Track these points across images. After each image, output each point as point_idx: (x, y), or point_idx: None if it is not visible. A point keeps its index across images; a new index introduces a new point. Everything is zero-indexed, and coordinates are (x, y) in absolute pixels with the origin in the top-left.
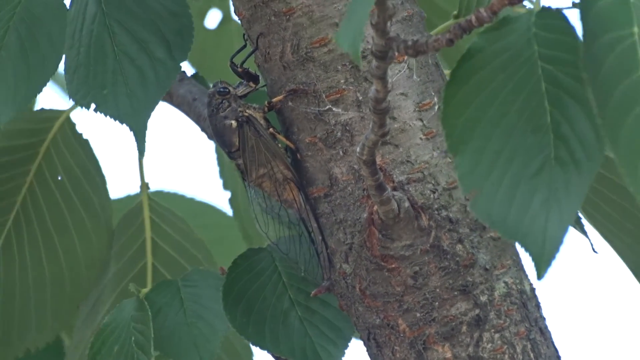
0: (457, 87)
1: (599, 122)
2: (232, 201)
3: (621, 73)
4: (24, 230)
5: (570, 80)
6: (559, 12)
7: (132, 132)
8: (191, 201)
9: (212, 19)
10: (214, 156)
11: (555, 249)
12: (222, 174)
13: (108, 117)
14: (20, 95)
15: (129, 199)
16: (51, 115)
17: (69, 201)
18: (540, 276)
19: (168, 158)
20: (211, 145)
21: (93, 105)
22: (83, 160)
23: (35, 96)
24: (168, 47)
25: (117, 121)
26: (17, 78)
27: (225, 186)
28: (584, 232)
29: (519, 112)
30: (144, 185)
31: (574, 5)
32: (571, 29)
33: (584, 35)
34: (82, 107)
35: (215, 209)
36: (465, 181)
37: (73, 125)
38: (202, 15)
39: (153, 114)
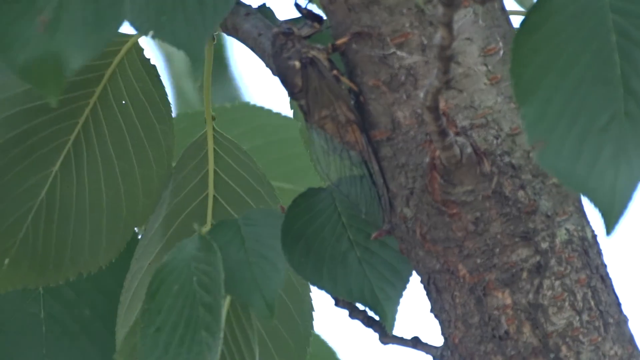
0: (528, 36)
1: None
2: (301, 131)
3: None
4: (84, 152)
5: (636, 29)
6: None
7: (189, 57)
8: (262, 111)
9: None
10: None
11: (625, 205)
12: (292, 105)
13: (166, 42)
14: (91, 39)
15: (188, 116)
16: (119, 39)
17: (132, 127)
18: (609, 232)
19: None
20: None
21: (152, 32)
22: (149, 86)
23: (108, 40)
24: None
25: (174, 47)
26: (86, 23)
27: (295, 117)
28: None
29: (588, 64)
30: (209, 116)
31: None
32: None
33: None
34: (141, 34)
35: (292, 121)
36: (531, 132)
37: (141, 50)
38: None
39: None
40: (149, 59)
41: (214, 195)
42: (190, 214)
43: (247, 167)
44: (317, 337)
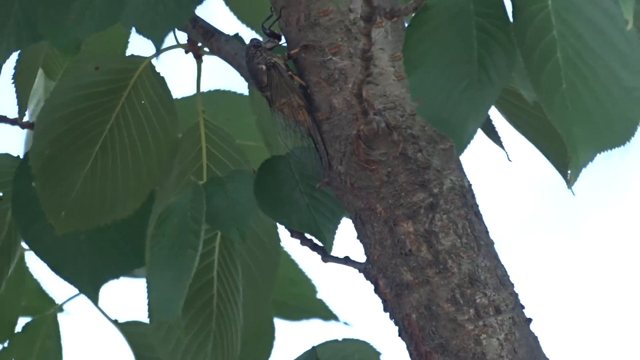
0: (415, 29)
1: (525, 71)
2: (257, 121)
3: (541, 33)
4: (116, 136)
5: (494, 28)
6: None
7: (153, 43)
8: (235, 95)
9: None
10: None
11: (471, 137)
12: (252, 103)
13: (141, 34)
14: (100, 23)
15: (186, 100)
16: (138, 59)
17: (149, 118)
18: (459, 153)
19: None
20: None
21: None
22: (159, 91)
23: (110, 24)
24: None
25: (145, 37)
26: (99, 15)
27: (254, 112)
28: (500, 143)
29: (456, 49)
30: (200, 109)
31: None
32: None
33: (514, 6)
34: (126, 28)
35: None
36: (414, 92)
37: (153, 66)
38: None
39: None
40: (159, 72)
41: (206, 164)
42: (189, 175)
43: (228, 142)
44: (303, 274)
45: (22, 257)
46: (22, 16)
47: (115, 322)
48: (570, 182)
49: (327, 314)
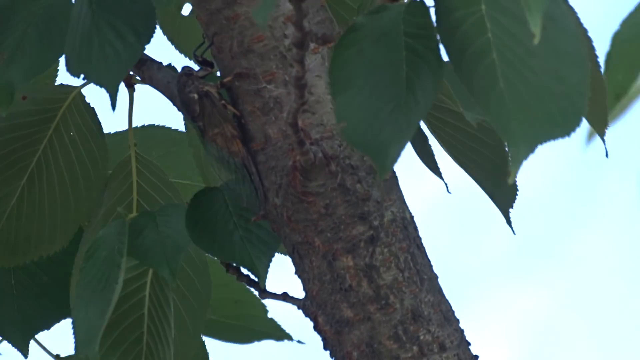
0: (343, 50)
1: (457, 73)
2: (195, 155)
3: (473, 36)
4: (44, 169)
5: (423, 48)
6: (422, 3)
7: (108, 92)
8: (170, 131)
9: (186, 9)
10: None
11: (395, 160)
12: (187, 135)
13: (92, 82)
14: (35, 66)
15: (118, 134)
16: (67, 89)
17: (77, 150)
18: (381, 177)
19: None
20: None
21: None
22: (89, 122)
23: (46, 68)
24: (137, 34)
25: (97, 85)
26: (34, 55)
27: (190, 144)
28: (439, 173)
29: (384, 70)
30: (132, 142)
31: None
32: (429, 13)
33: (438, 12)
34: (74, 76)
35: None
36: (339, 115)
37: (83, 96)
38: (180, 7)
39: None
40: (89, 103)
41: (137, 199)
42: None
43: (160, 177)
44: (252, 295)
45: None
46: None
47: (57, 356)
48: (510, 177)
49: (279, 334)
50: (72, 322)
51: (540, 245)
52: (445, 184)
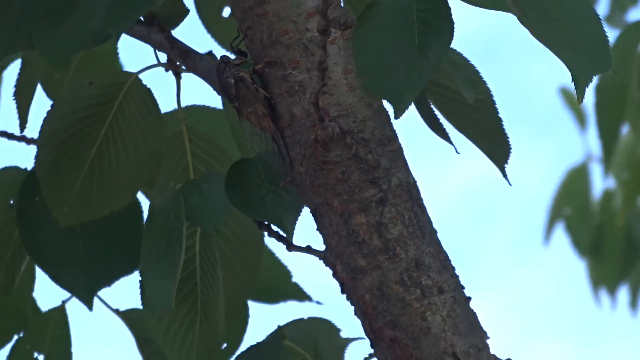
0: (363, 22)
1: None
2: (232, 128)
3: None
4: (110, 139)
5: (434, 19)
6: None
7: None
8: (211, 109)
9: (225, 12)
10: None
11: (408, 102)
12: (225, 113)
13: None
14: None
15: (169, 113)
16: (126, 74)
17: (138, 124)
18: (397, 117)
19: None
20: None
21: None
22: (147, 100)
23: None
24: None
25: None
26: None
27: (228, 120)
28: (448, 138)
29: (399, 38)
30: (182, 118)
31: None
32: None
33: None
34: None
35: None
36: (360, 70)
37: (140, 80)
38: (221, 9)
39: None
40: (145, 85)
41: (192, 162)
42: (177, 176)
43: (208, 141)
44: (279, 262)
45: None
46: (16, 25)
47: (116, 310)
48: (579, 99)
49: (301, 296)
50: (140, 280)
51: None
52: (454, 147)
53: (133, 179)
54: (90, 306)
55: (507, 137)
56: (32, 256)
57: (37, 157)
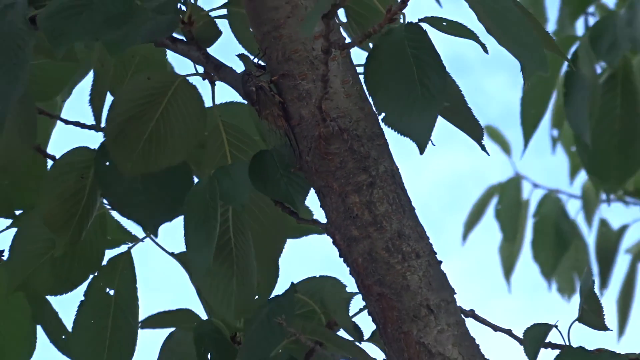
0: (370, 63)
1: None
2: (256, 124)
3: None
4: (165, 115)
5: (424, 54)
6: (416, 24)
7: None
8: (239, 105)
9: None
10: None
11: (427, 138)
12: (251, 112)
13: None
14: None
15: (208, 109)
16: (176, 75)
17: (184, 115)
18: (421, 152)
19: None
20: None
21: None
22: (193, 93)
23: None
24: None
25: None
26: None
27: (252, 117)
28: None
29: (400, 73)
30: (218, 114)
31: (419, 20)
32: (423, 30)
33: None
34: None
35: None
36: (379, 108)
37: (187, 80)
38: (248, 27)
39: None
40: (192, 83)
41: (228, 150)
42: (217, 161)
43: (241, 132)
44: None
45: (102, 204)
46: (84, 28)
47: (172, 254)
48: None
49: (319, 231)
50: (185, 245)
51: None
52: (431, 141)
53: (182, 146)
54: (156, 235)
55: (478, 121)
56: (110, 203)
57: (107, 125)
